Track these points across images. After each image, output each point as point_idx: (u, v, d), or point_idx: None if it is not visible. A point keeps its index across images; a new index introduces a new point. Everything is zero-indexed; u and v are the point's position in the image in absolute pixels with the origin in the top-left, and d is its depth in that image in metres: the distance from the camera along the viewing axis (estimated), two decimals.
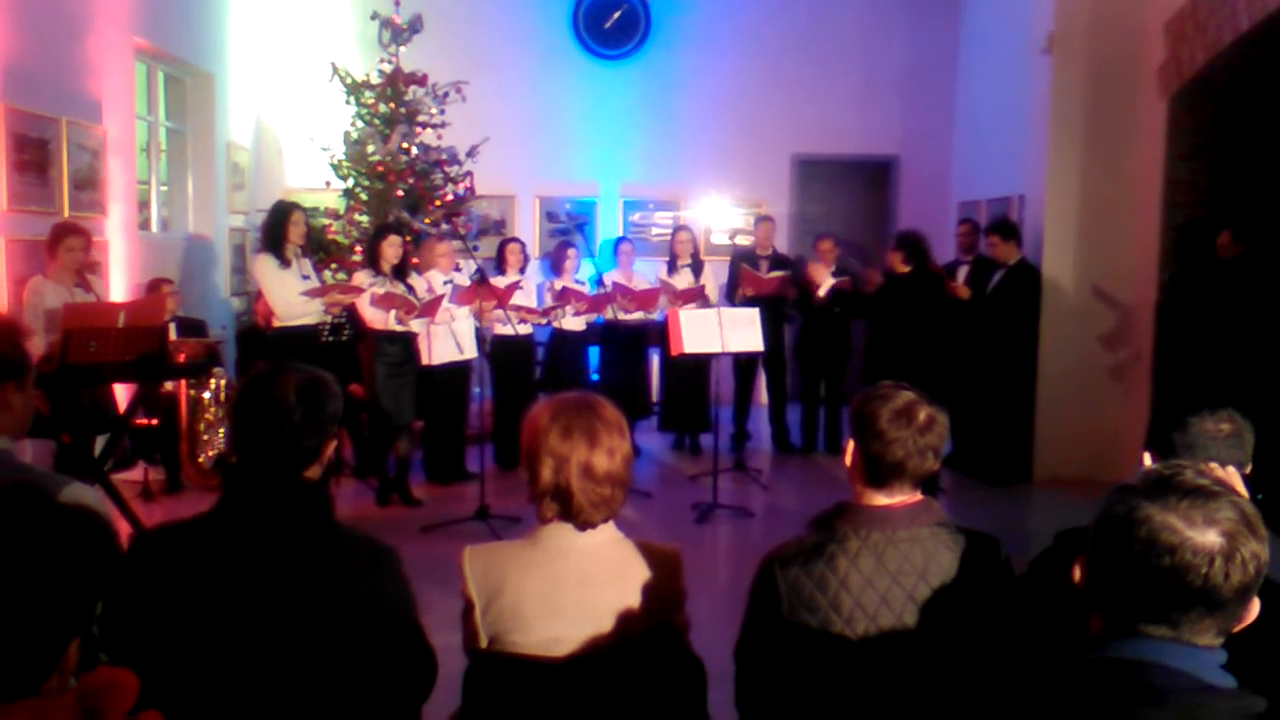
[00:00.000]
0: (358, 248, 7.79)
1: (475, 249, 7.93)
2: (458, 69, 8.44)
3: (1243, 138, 6.86)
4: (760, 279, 7.92)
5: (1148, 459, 2.26)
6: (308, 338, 6.44)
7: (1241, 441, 2.19)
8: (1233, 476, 2.12)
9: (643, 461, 7.74)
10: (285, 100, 9.53)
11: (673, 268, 8.12)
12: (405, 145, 8.05)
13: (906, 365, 6.86)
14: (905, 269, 7.51)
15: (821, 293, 7.86)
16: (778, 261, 8.24)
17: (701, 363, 7.55)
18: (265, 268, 6.35)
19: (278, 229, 6.37)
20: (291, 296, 6.30)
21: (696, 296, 7.71)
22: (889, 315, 7.47)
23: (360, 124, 8.16)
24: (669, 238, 8.62)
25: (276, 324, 6.43)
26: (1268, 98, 6.72)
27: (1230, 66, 6.36)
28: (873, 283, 7.77)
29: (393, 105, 8.11)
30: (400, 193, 7.97)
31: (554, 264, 7.93)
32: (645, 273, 8.34)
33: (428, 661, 2.10)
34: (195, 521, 2.02)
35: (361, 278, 6.51)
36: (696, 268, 8.08)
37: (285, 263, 6.34)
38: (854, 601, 2.02)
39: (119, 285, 6.87)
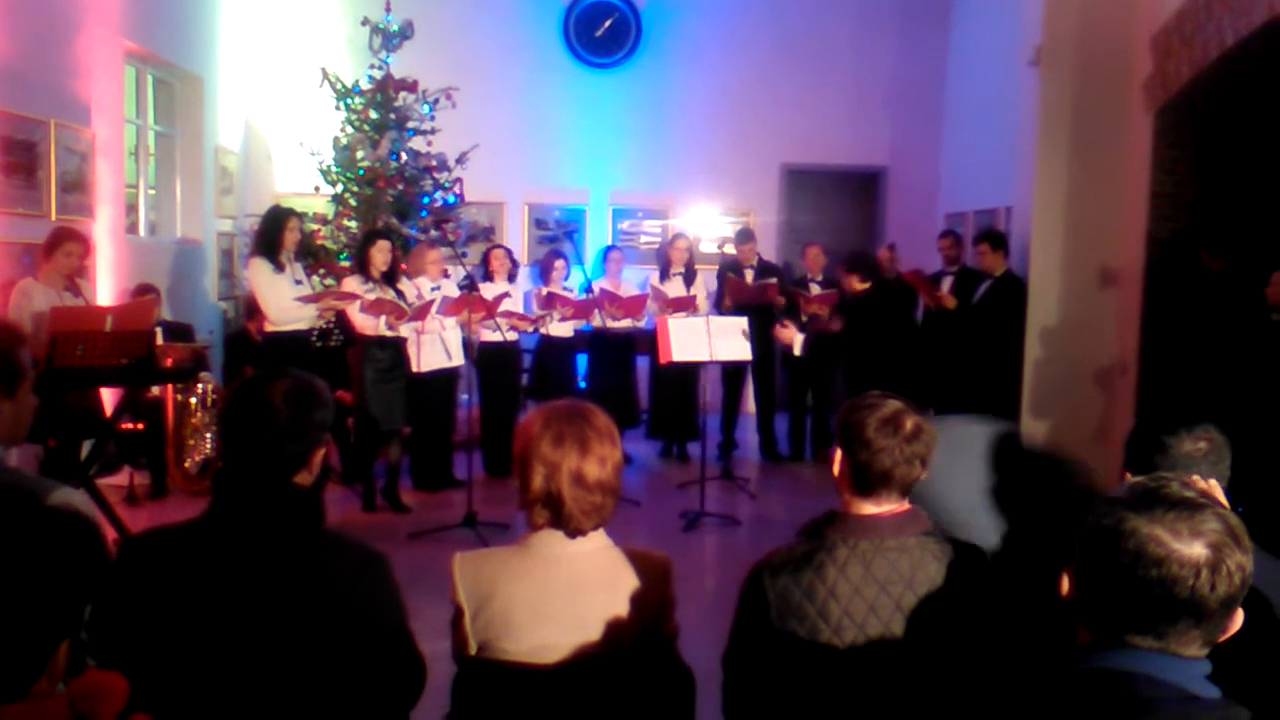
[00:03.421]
0: (347, 253, 7.78)
1: (464, 255, 7.93)
2: (448, 75, 8.44)
3: (1228, 152, 6.92)
4: (742, 285, 7.90)
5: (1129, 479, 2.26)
6: (299, 343, 6.41)
7: (1220, 457, 2.19)
8: (1215, 489, 2.13)
9: (631, 469, 7.74)
10: (275, 105, 9.51)
11: (665, 275, 8.13)
12: (395, 151, 8.05)
13: (887, 376, 6.83)
14: (863, 286, 7.32)
15: (797, 351, 7.59)
16: (764, 269, 8.25)
17: (690, 371, 7.55)
18: (259, 272, 6.33)
19: (273, 234, 6.34)
20: (285, 302, 6.28)
21: (687, 305, 7.71)
22: (860, 332, 7.39)
23: (350, 129, 8.14)
24: (659, 246, 8.60)
25: (269, 329, 6.41)
26: (1253, 112, 6.78)
27: (1216, 81, 6.41)
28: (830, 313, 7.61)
29: (383, 111, 8.11)
30: (389, 198, 7.96)
31: (543, 272, 7.94)
32: (634, 281, 8.33)
33: (416, 668, 2.10)
34: (185, 526, 2.01)
35: (351, 283, 6.49)
36: (689, 276, 8.09)
37: (279, 268, 6.32)
38: (842, 610, 2.03)
39: (106, 289, 6.83)
